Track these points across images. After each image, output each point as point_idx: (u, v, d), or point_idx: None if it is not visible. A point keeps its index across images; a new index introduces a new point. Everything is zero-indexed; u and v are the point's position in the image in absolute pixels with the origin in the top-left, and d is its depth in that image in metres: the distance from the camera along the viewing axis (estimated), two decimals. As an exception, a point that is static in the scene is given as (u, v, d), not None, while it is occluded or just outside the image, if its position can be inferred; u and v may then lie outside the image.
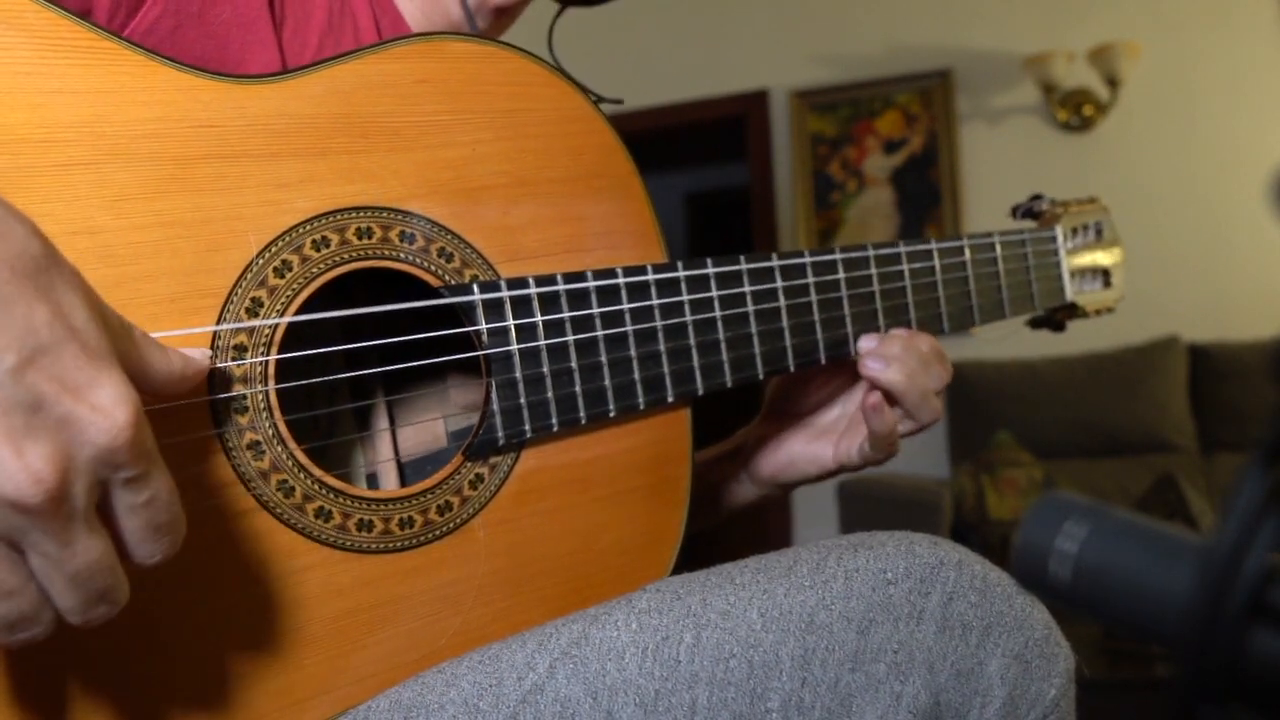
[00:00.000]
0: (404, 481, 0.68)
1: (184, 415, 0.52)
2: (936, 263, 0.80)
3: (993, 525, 3.00)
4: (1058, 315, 0.93)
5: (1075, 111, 3.61)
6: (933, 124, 3.79)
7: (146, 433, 0.40)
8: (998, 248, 0.84)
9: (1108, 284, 0.95)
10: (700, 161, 5.95)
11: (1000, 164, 3.71)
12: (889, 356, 0.73)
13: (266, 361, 0.55)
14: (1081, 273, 0.92)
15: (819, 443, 0.80)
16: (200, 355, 0.49)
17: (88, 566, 0.39)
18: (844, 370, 0.80)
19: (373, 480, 0.68)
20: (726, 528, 0.92)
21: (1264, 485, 0.25)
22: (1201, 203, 3.50)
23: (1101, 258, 0.94)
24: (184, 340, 0.52)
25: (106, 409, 0.38)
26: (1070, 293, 0.91)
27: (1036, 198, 0.93)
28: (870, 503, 3.16)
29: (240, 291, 0.54)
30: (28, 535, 0.38)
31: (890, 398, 0.74)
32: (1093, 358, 3.37)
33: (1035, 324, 0.94)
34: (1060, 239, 0.90)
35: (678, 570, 0.69)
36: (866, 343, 0.75)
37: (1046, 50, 3.50)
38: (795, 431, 0.82)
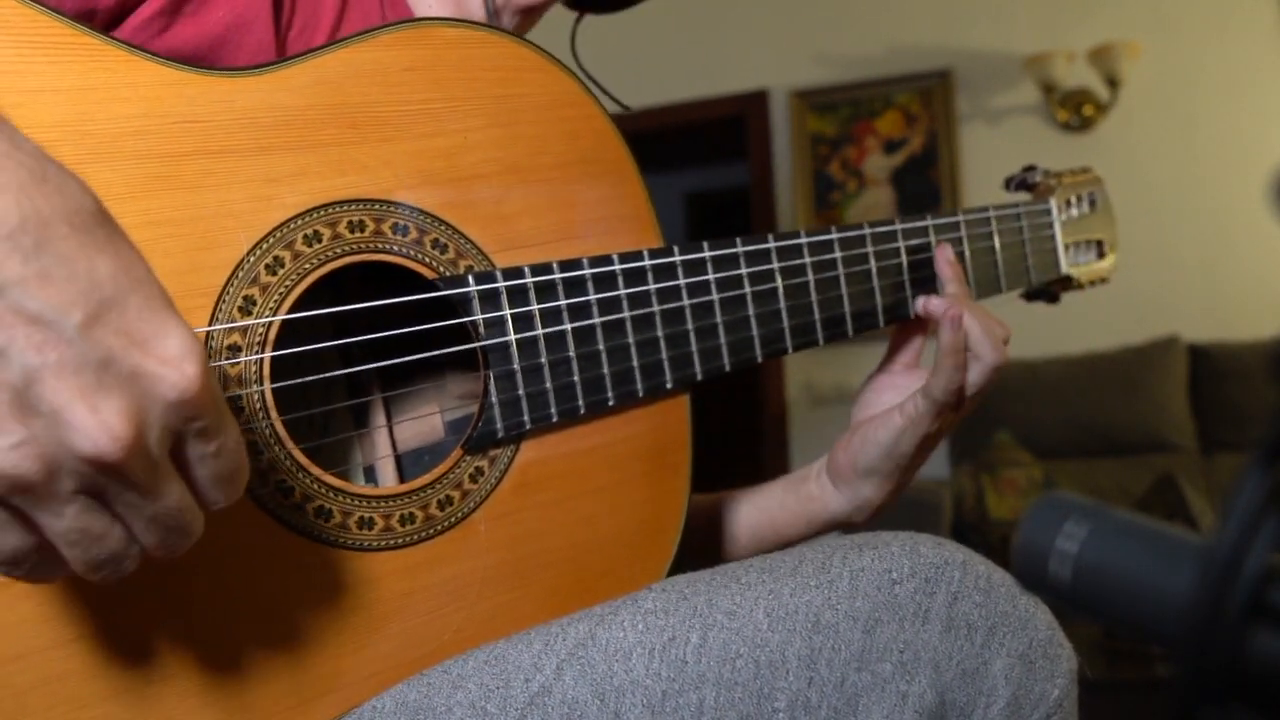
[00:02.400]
0: (401, 472, 0.68)
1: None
2: (932, 240, 0.80)
3: (993, 525, 3.00)
4: (1052, 287, 0.93)
5: (1075, 111, 3.61)
6: (933, 124, 3.79)
7: (214, 383, 0.41)
8: (993, 223, 0.84)
9: (1101, 254, 0.95)
10: (700, 161, 5.95)
11: (1000, 164, 3.68)
12: (950, 297, 0.76)
13: (261, 360, 0.55)
14: (1076, 244, 0.92)
15: (884, 415, 0.76)
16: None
17: (166, 510, 0.40)
18: (896, 376, 0.81)
19: (370, 475, 0.68)
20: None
21: (1264, 485, 0.24)
22: (1202, 203, 3.49)
23: (1095, 229, 0.94)
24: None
25: (175, 360, 0.39)
26: (1065, 265, 0.91)
27: (1030, 169, 0.93)
28: (870, 503, 3.15)
29: (232, 290, 0.54)
30: (109, 487, 0.38)
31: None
32: (1093, 358, 3.37)
33: (1030, 296, 0.93)
34: (1055, 212, 0.90)
35: (677, 559, 0.69)
36: (926, 298, 0.78)
37: (1046, 50, 3.50)
38: (862, 423, 0.79)
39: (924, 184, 3.79)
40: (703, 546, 0.84)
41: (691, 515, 0.74)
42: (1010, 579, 0.60)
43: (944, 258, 0.79)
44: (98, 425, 0.36)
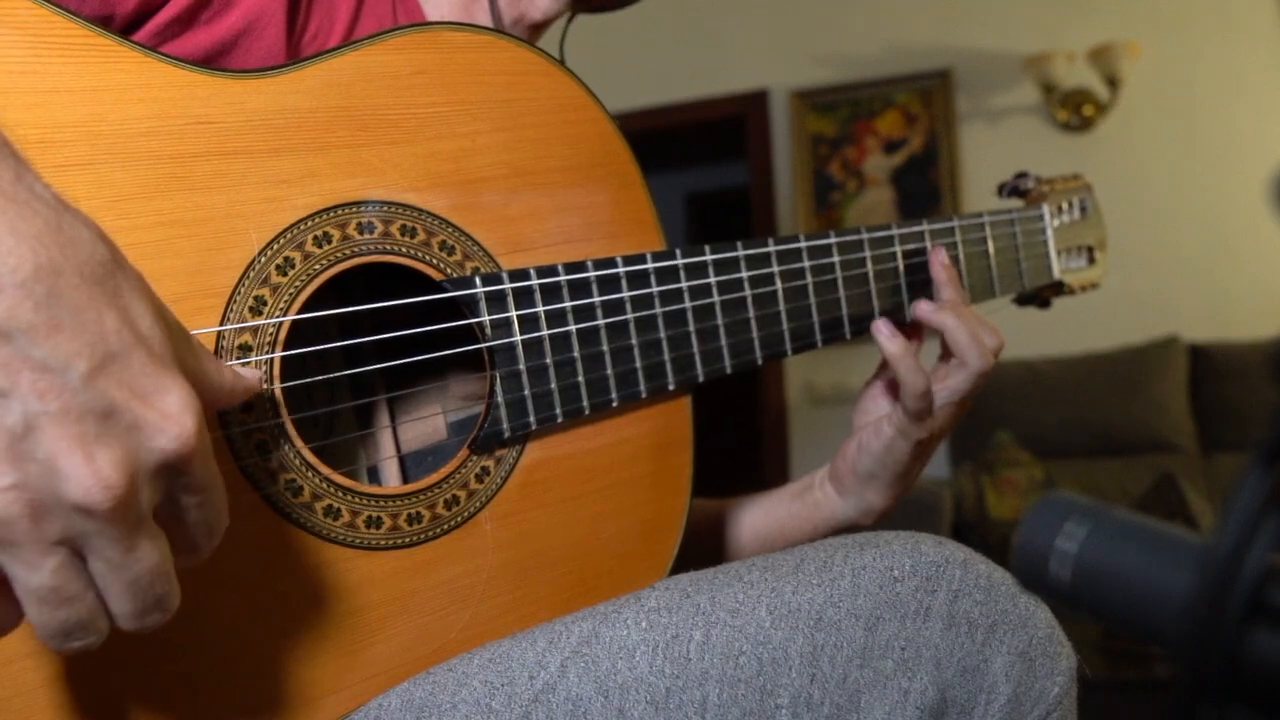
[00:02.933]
0: (405, 473, 0.69)
1: (189, 416, 0.52)
2: (928, 244, 0.80)
3: (993, 525, 3.00)
4: (1044, 293, 0.94)
5: (1075, 111, 3.61)
6: (933, 124, 3.79)
7: (207, 439, 0.41)
8: (987, 228, 0.85)
9: (1092, 260, 0.96)
10: (700, 161, 5.95)
11: (1000, 164, 3.70)
12: (939, 304, 0.77)
13: (272, 360, 0.55)
14: (1067, 250, 0.93)
15: (877, 424, 0.77)
16: (251, 375, 0.49)
17: (147, 572, 0.40)
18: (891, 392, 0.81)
19: (374, 475, 0.68)
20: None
21: (1264, 485, 0.25)
22: (1201, 203, 3.49)
23: (1086, 235, 0.95)
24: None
25: (174, 416, 0.39)
26: (1057, 270, 0.92)
27: (1022, 175, 0.94)
28: (870, 502, 3.15)
29: (243, 290, 0.54)
30: (91, 540, 0.38)
31: (947, 352, 0.76)
32: (1093, 358, 3.37)
33: (1021, 301, 0.94)
34: (1047, 218, 0.90)
35: (679, 558, 0.69)
36: (923, 303, 0.78)
37: (1046, 50, 3.50)
38: (857, 430, 0.80)
39: (924, 184, 3.79)
40: (708, 552, 0.84)
41: (696, 520, 0.75)
42: (1010, 578, 0.61)
43: (938, 261, 0.79)
44: (91, 474, 0.37)
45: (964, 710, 0.57)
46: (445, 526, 0.60)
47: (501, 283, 0.62)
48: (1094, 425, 3.32)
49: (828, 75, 3.92)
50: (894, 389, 0.79)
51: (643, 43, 3.98)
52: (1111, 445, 3.30)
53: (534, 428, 0.63)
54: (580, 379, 0.64)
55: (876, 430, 0.77)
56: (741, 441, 4.06)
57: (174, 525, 0.42)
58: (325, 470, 0.56)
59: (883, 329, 0.74)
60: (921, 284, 0.80)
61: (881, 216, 3.83)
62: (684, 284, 0.69)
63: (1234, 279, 3.45)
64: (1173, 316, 3.42)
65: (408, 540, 0.59)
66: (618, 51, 3.79)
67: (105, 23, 0.57)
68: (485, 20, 0.79)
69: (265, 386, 0.54)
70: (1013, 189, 0.94)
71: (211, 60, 0.62)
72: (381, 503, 0.58)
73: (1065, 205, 0.93)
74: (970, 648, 0.58)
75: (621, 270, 0.66)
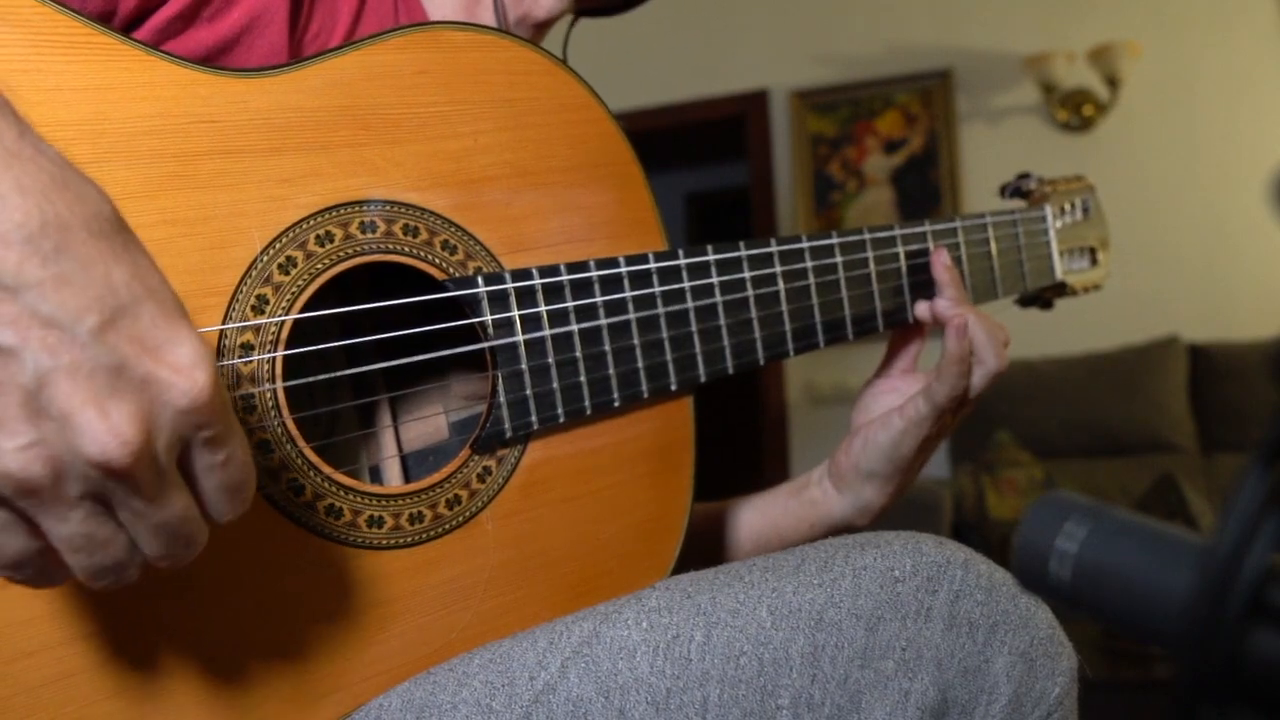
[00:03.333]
0: (406, 472, 0.69)
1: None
2: (930, 245, 0.80)
3: (993, 525, 3.00)
4: (1046, 294, 0.94)
5: (1075, 111, 3.61)
6: (933, 124, 3.79)
7: (224, 392, 0.41)
8: (990, 229, 0.85)
9: (1094, 261, 0.95)
10: (700, 161, 5.95)
11: (1000, 164, 3.70)
12: (956, 300, 0.77)
13: (274, 359, 0.55)
14: (1070, 251, 0.93)
15: (885, 417, 0.77)
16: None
17: (173, 518, 0.40)
18: (896, 379, 0.82)
19: (375, 474, 0.68)
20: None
21: (1264, 485, 0.25)
22: (1202, 203, 3.50)
23: (1089, 236, 0.95)
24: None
25: (186, 369, 0.39)
26: (1059, 271, 0.92)
27: (1024, 176, 0.93)
28: (870, 502, 3.15)
29: (245, 289, 0.54)
30: (115, 493, 0.39)
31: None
32: (1093, 358, 3.37)
33: (1024, 302, 0.94)
34: (1050, 218, 0.90)
35: (680, 558, 0.69)
36: (930, 303, 0.79)
37: (1046, 50, 3.50)
38: (863, 426, 0.80)
39: (924, 184, 3.79)
40: (707, 552, 0.84)
41: (695, 522, 0.74)
42: (1011, 578, 0.61)
43: (940, 262, 0.79)
44: (107, 430, 0.37)
45: (965, 711, 0.58)
46: (447, 526, 0.60)
47: (504, 282, 0.62)
48: (1094, 425, 3.32)
49: (828, 75, 3.92)
50: (901, 385, 0.80)
51: (643, 43, 3.98)
52: (1111, 445, 3.30)
53: (536, 427, 0.63)
54: (582, 379, 0.64)
55: (885, 424, 0.76)
56: (741, 441, 4.06)
57: (200, 485, 0.42)
58: (327, 469, 0.56)
59: (957, 328, 0.75)
60: (923, 284, 0.80)
61: (881, 216, 3.83)
62: (686, 284, 0.69)
63: (1234, 279, 3.45)
64: (1173, 316, 3.42)
65: (409, 540, 0.59)
66: (618, 51, 3.79)
67: (107, 19, 0.57)
68: (489, 19, 0.79)
69: (268, 387, 0.54)
70: (1015, 190, 0.94)
71: (215, 58, 0.62)
72: (383, 502, 0.58)
73: (1068, 206, 0.93)
74: (971, 648, 0.58)
75: (624, 270, 0.66)
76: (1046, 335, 3.17)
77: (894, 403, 0.79)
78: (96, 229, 0.38)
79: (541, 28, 0.83)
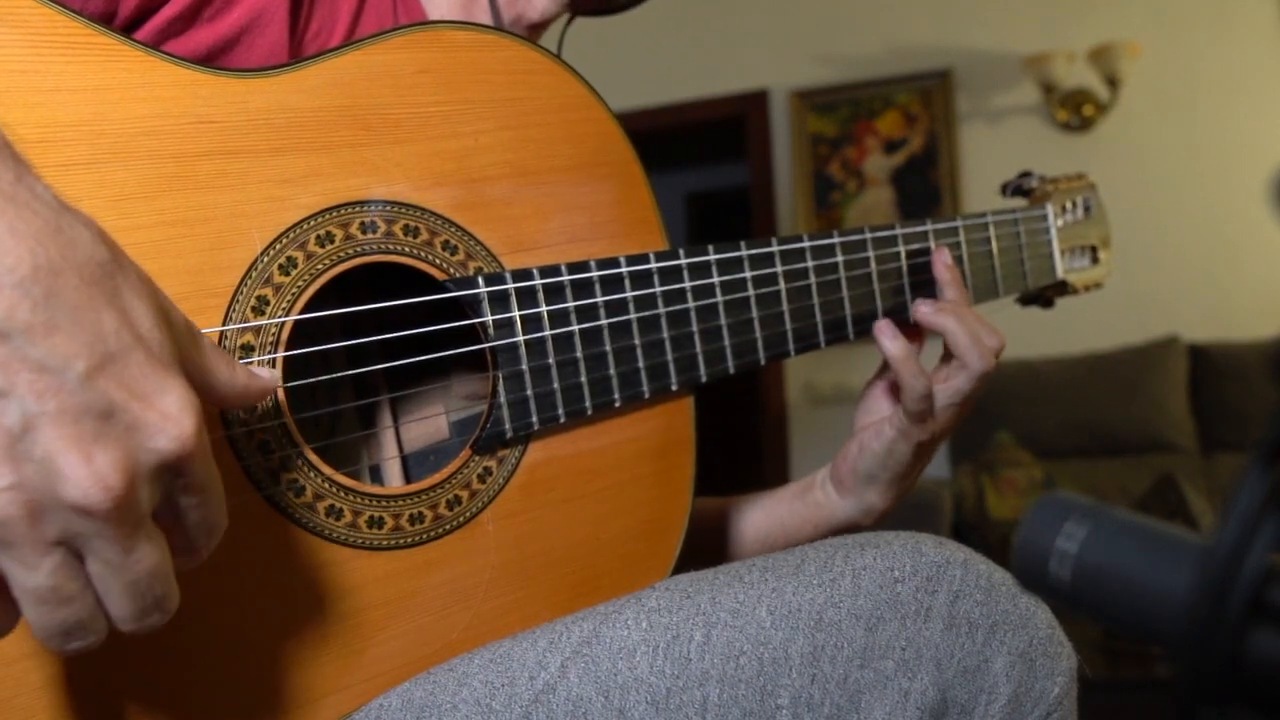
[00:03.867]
0: (407, 472, 0.69)
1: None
2: (932, 244, 0.80)
3: (993, 525, 3.00)
4: (1047, 293, 0.94)
5: (1075, 111, 3.61)
6: (933, 124, 3.79)
7: (206, 440, 0.41)
8: (991, 228, 0.85)
9: (1095, 260, 0.95)
10: (700, 161, 5.95)
11: (1000, 164, 3.70)
12: (940, 306, 0.76)
13: (275, 360, 0.55)
14: (1071, 250, 0.93)
15: (877, 425, 0.77)
16: (269, 375, 0.49)
17: (146, 573, 0.40)
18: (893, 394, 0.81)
19: (376, 475, 0.68)
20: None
21: (1264, 485, 0.25)
22: (1201, 203, 3.50)
23: (1090, 234, 0.95)
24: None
25: (173, 416, 0.39)
26: (1061, 270, 0.92)
27: (1026, 175, 0.93)
28: (870, 502, 3.15)
29: (245, 290, 0.54)
30: (90, 541, 0.38)
31: (946, 350, 0.76)
32: (1093, 358, 3.37)
33: (1024, 301, 0.94)
34: (1051, 217, 0.90)
35: (681, 558, 0.69)
36: (921, 300, 0.78)
37: (1046, 50, 3.50)
38: (858, 431, 0.80)
39: (924, 184, 3.79)
40: (710, 549, 0.84)
41: (698, 520, 0.75)
42: (1011, 579, 0.61)
43: (941, 261, 0.79)
44: (90, 475, 0.36)
45: (964, 711, 0.58)
46: (447, 527, 0.60)
47: (504, 282, 0.62)
48: (1094, 425, 3.32)
49: (828, 75, 3.92)
50: (895, 390, 0.79)
51: (643, 43, 3.98)
52: (1111, 445, 3.30)
53: (536, 428, 0.63)
54: (583, 379, 0.64)
55: (878, 432, 0.77)
56: (741, 441, 4.06)
57: (173, 526, 0.42)
58: (327, 470, 0.56)
59: (885, 330, 0.74)
60: (924, 284, 0.80)
61: (881, 216, 3.83)
62: (687, 284, 0.69)
63: (1234, 279, 3.46)
64: (1173, 316, 3.42)
65: (409, 540, 0.59)
66: (618, 51, 3.79)
67: (108, 20, 0.57)
68: (485, 19, 0.79)
69: (279, 382, 0.54)
70: (1016, 188, 0.93)
71: (215, 57, 0.62)
72: (383, 503, 0.58)
73: (1069, 205, 0.93)
74: (971, 648, 0.58)
75: (625, 270, 0.66)
76: (1046, 335, 3.17)
77: (890, 407, 0.79)
78: (88, 275, 0.38)
79: (536, 29, 0.83)
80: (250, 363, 0.54)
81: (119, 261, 0.40)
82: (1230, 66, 3.49)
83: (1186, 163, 3.52)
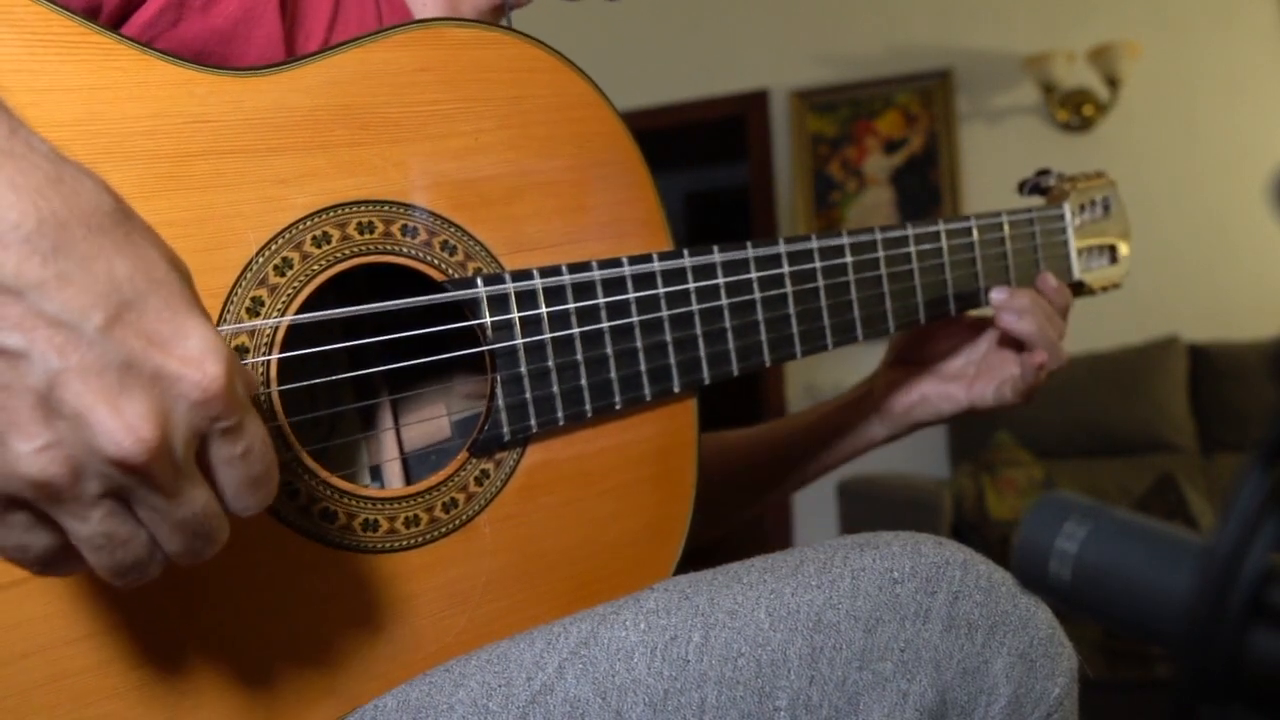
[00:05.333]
0: (408, 473, 0.68)
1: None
2: (944, 244, 0.79)
3: (993, 525, 3.00)
4: None
5: (1075, 111, 3.61)
6: (933, 124, 3.79)
7: (238, 382, 0.40)
8: (1005, 227, 0.84)
9: (1114, 259, 0.94)
10: (700, 161, 5.95)
11: (1000, 164, 3.70)
12: (1020, 309, 0.81)
13: (269, 362, 0.55)
14: (1089, 250, 0.92)
15: (951, 385, 0.87)
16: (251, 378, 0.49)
17: (193, 515, 0.40)
18: (965, 327, 0.88)
19: (376, 476, 0.68)
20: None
21: (1264, 485, 0.25)
22: (1201, 203, 3.50)
23: (1109, 234, 0.93)
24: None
25: (196, 360, 0.38)
26: (1078, 270, 0.90)
27: (1044, 173, 0.92)
28: (870, 502, 3.16)
29: (240, 291, 0.54)
30: (134, 491, 0.38)
31: (1021, 346, 0.83)
32: (1093, 358, 3.37)
33: None
34: (1068, 217, 0.89)
35: (682, 563, 0.69)
36: (998, 294, 0.82)
37: (1046, 50, 3.50)
38: (925, 376, 0.88)
39: (924, 184, 3.79)
40: (768, 467, 0.93)
41: (728, 454, 0.87)
42: (1011, 579, 0.60)
43: (1008, 307, 0.83)
44: (122, 427, 0.36)
45: (964, 712, 0.57)
46: (443, 529, 0.60)
47: (504, 283, 0.61)
48: (1094, 425, 3.32)
49: (828, 75, 3.92)
50: (973, 341, 0.87)
51: (643, 43, 3.98)
52: (1111, 445, 3.30)
53: (534, 431, 0.62)
54: (583, 382, 0.63)
55: (951, 398, 0.86)
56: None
57: (220, 479, 0.42)
58: (322, 473, 0.56)
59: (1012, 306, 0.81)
60: (937, 284, 0.79)
61: (881, 217, 3.83)
62: (691, 285, 0.67)
63: (1234, 279, 3.46)
64: (1173, 316, 3.42)
65: (405, 543, 0.58)
66: (618, 51, 3.79)
67: (92, 15, 0.57)
68: (472, 9, 0.78)
69: (263, 391, 0.54)
70: (1034, 186, 0.92)
71: (212, 52, 0.61)
72: (379, 505, 0.58)
73: (1087, 203, 0.91)
74: (970, 649, 0.58)
75: (627, 271, 0.65)
76: (1046, 335, 3.17)
77: (960, 365, 0.87)
78: (95, 224, 0.38)
79: (503, 9, 0.81)
80: (245, 365, 0.54)
81: (126, 210, 0.40)
82: (1230, 66, 3.49)
83: (1186, 163, 3.53)
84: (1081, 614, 0.31)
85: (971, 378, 0.86)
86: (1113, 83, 3.48)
